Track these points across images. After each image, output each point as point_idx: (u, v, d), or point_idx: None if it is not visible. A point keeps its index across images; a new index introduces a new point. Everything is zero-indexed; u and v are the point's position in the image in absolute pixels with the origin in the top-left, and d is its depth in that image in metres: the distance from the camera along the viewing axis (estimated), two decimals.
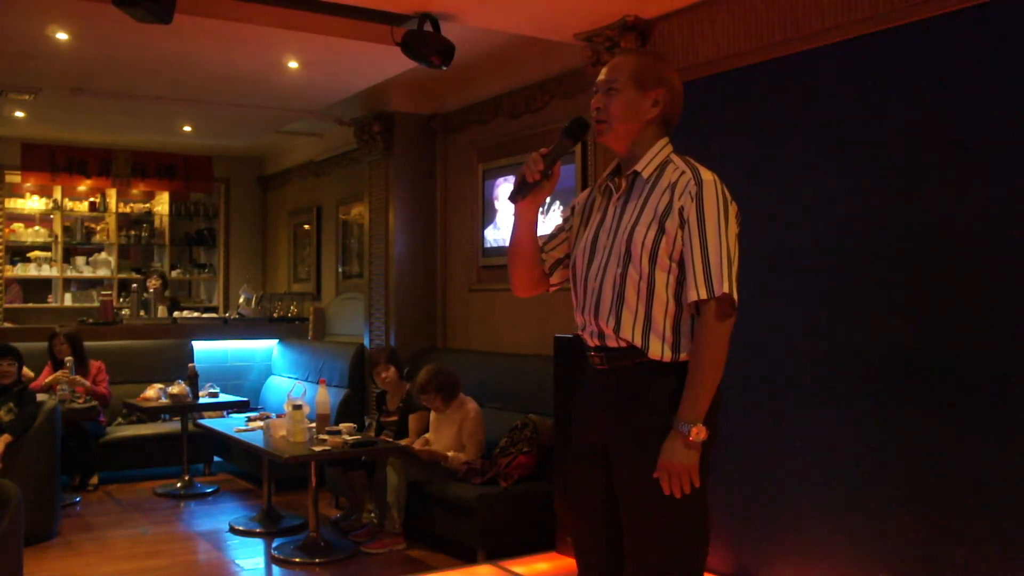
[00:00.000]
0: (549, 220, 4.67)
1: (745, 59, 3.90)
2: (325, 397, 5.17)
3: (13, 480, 3.51)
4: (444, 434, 5.04)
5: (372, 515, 5.03)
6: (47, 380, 6.13)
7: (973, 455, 3.05)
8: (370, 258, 6.89)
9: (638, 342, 2.18)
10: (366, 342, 6.83)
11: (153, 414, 6.53)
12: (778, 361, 3.72)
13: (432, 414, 5.15)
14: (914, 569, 3.21)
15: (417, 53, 4.47)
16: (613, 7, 4.21)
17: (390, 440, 5.21)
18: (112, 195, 9.62)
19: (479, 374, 5.55)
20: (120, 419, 6.92)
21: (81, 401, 6.02)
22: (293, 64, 5.52)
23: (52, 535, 5.08)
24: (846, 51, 3.49)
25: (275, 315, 8.45)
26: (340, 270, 8.31)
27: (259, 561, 4.82)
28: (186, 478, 6.30)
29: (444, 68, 4.58)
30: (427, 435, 5.14)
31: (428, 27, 4.42)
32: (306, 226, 9.03)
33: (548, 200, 3.07)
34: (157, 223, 9.95)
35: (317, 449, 4.64)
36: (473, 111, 6.27)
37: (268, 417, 5.22)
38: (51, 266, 9.29)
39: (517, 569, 4.30)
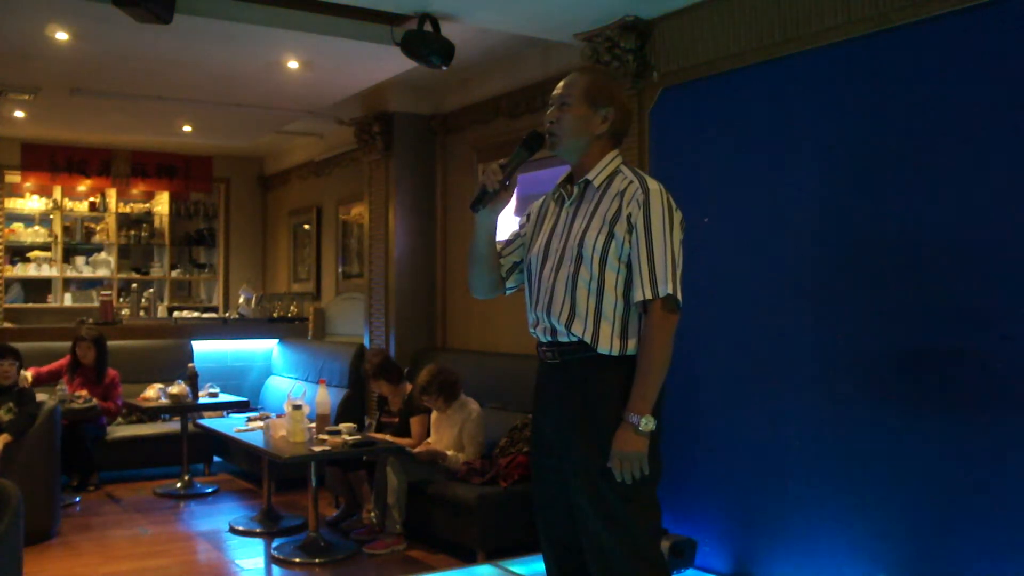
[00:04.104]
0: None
1: (745, 59, 3.90)
2: (325, 397, 5.17)
3: (13, 480, 3.50)
4: (445, 434, 5.04)
5: (372, 515, 5.02)
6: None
7: (973, 455, 3.05)
8: (370, 258, 6.89)
9: (588, 337, 2.35)
10: (366, 342, 6.83)
11: (153, 414, 6.53)
12: (777, 362, 3.71)
13: (433, 414, 5.15)
14: (914, 569, 3.21)
15: (417, 53, 4.47)
16: (613, 7, 4.21)
17: (390, 440, 5.21)
18: (112, 195, 9.62)
19: (479, 374, 5.54)
20: (120, 419, 6.92)
21: (81, 401, 6.02)
22: (293, 64, 5.52)
23: (52, 535, 5.08)
24: (845, 51, 3.49)
25: (275, 315, 8.46)
26: (340, 270, 8.31)
27: (259, 561, 4.82)
28: (186, 478, 6.30)
29: (444, 68, 4.58)
30: (428, 439, 5.14)
31: (428, 27, 4.42)
32: (306, 226, 9.03)
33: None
34: (157, 223, 9.95)
35: (317, 449, 4.64)
36: (473, 111, 6.27)
37: (268, 417, 5.21)
38: (51, 266, 9.29)
39: (517, 569, 4.29)
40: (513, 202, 2.53)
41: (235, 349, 7.74)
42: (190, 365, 6.54)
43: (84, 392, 6.11)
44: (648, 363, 2.31)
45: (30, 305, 9.12)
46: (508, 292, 2.66)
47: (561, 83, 2.49)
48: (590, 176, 2.44)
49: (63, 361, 6.42)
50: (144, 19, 4.08)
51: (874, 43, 3.39)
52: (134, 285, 9.31)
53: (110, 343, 6.65)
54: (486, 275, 2.59)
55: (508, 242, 2.64)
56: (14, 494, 3.25)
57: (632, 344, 2.35)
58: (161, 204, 9.92)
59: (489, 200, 2.44)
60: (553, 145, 2.47)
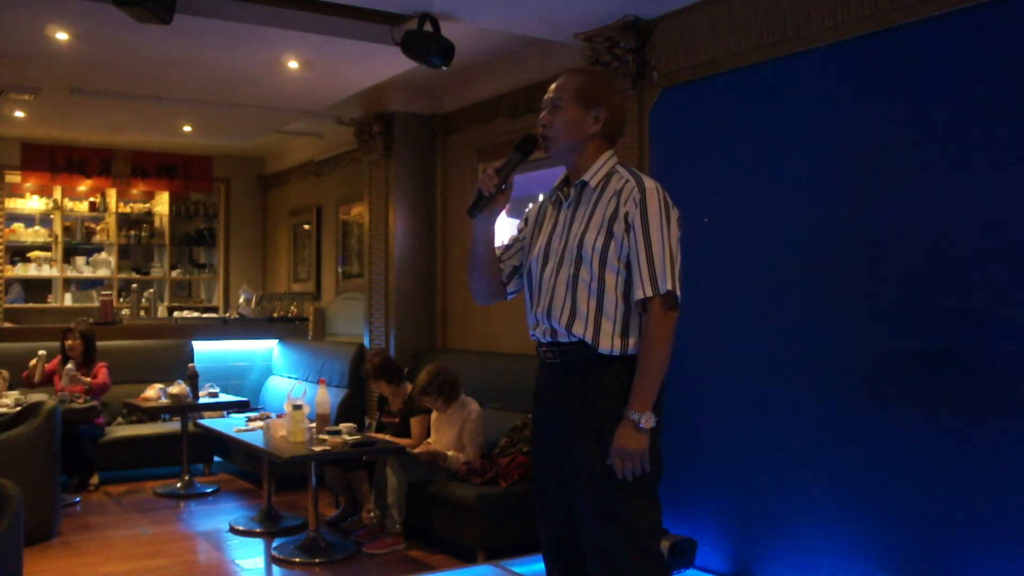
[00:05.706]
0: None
1: (745, 59, 3.91)
2: (325, 397, 5.16)
3: (13, 480, 3.50)
4: (445, 434, 5.04)
5: (372, 515, 5.02)
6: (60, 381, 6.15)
7: (973, 455, 3.05)
8: (370, 258, 6.89)
9: (589, 337, 2.36)
10: (366, 342, 6.83)
11: (153, 414, 6.52)
12: (777, 362, 3.71)
13: (433, 414, 5.15)
14: (914, 569, 3.21)
15: (417, 53, 4.47)
16: (613, 7, 4.21)
17: (390, 440, 5.21)
18: (112, 195, 9.62)
19: (479, 374, 5.54)
20: (120, 419, 6.92)
21: (81, 401, 6.03)
22: (293, 64, 5.52)
23: (52, 535, 5.08)
24: (846, 51, 3.49)
25: (275, 315, 8.46)
26: (340, 270, 8.31)
27: (259, 561, 4.82)
28: (186, 478, 6.30)
29: (444, 68, 4.58)
30: (428, 439, 5.14)
31: (428, 27, 4.42)
32: (306, 226, 9.03)
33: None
34: (157, 223, 9.95)
35: (317, 449, 4.64)
36: (473, 111, 6.27)
37: (268, 417, 5.21)
38: (51, 266, 9.29)
39: (517, 569, 4.29)
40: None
41: (235, 349, 7.74)
42: (190, 365, 6.54)
43: (86, 380, 6.12)
44: (648, 360, 2.31)
45: (30, 305, 9.12)
46: (509, 297, 2.66)
47: (553, 85, 2.50)
48: (586, 177, 2.44)
49: (55, 361, 6.42)
50: (144, 19, 4.08)
51: (874, 43, 3.38)
52: (134, 285, 9.30)
53: (111, 343, 6.65)
54: (486, 280, 2.59)
55: (507, 246, 2.64)
56: (14, 494, 3.25)
57: (632, 343, 2.36)
58: (161, 204, 9.92)
59: (486, 205, 2.45)
60: (547, 147, 2.48)
